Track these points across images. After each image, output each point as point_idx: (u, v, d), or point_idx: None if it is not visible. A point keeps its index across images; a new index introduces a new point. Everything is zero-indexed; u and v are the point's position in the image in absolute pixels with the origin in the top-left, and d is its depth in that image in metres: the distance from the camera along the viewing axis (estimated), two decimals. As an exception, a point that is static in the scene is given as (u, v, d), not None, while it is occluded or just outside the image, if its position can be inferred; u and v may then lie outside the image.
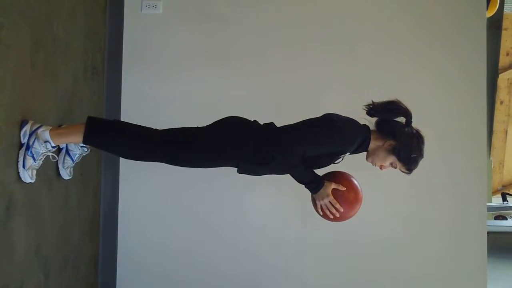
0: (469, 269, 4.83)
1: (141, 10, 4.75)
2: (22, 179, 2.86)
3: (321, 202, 3.17)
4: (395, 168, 3.24)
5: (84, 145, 3.29)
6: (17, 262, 2.88)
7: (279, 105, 4.62)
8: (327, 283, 4.82)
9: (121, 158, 4.54)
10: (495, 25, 7.12)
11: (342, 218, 3.22)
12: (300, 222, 4.73)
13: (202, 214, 4.75)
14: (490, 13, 5.58)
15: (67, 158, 3.38)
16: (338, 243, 4.77)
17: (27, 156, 2.87)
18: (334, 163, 3.27)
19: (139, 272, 4.70)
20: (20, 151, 2.87)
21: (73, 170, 3.49)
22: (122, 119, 4.51)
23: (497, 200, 9.49)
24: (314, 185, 3.16)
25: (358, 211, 3.24)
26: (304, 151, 3.07)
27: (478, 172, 4.85)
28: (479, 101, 4.86)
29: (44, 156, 2.98)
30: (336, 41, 4.80)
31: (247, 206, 4.77)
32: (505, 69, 8.12)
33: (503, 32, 7.41)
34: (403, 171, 3.26)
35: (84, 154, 3.39)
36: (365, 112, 3.22)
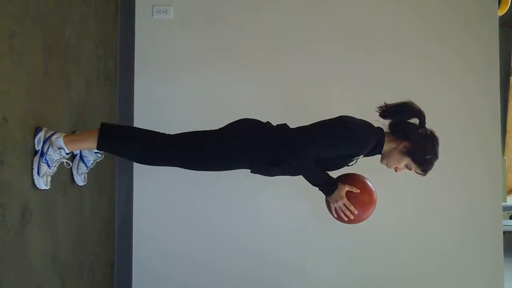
0: (485, 269, 4.81)
1: (152, 16, 4.77)
2: (37, 186, 2.87)
3: (335, 204, 3.17)
4: (410, 169, 3.23)
5: (98, 151, 3.30)
6: (34, 269, 2.88)
7: (291, 106, 4.61)
8: (342, 281, 4.81)
9: (134, 164, 4.55)
10: (507, 24, 7.08)
11: (356, 220, 3.21)
12: (315, 222, 4.72)
13: (216, 217, 4.76)
14: (502, 11, 5.54)
15: (81, 164, 3.39)
16: (353, 241, 4.77)
17: (41, 163, 2.88)
18: (348, 165, 3.26)
19: (154, 277, 4.71)
20: (35, 158, 2.87)
21: (87, 176, 3.50)
22: (135, 124, 4.54)
23: (512, 200, 9.43)
24: (328, 187, 3.16)
25: (372, 213, 3.23)
26: (318, 153, 3.06)
27: (492, 172, 4.82)
28: (492, 101, 4.84)
29: (59, 163, 2.99)
30: (349, 44, 4.80)
31: (261, 207, 4.77)
32: (518, 67, 8.09)
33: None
34: (418, 173, 3.24)
35: (98, 160, 3.40)
36: (378, 115, 3.20)
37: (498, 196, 4.88)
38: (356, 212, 3.16)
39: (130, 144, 3.14)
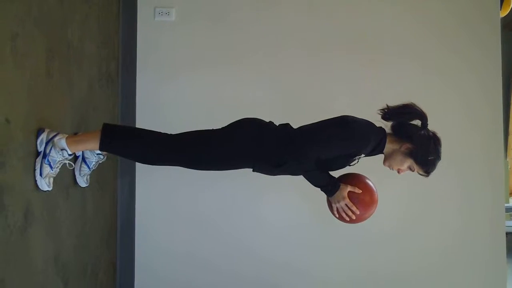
0: (488, 270, 4.82)
1: (154, 18, 4.78)
2: (40, 187, 2.87)
3: (337, 205, 3.17)
4: (413, 171, 3.23)
5: (100, 153, 3.30)
6: (36, 270, 2.89)
7: (293, 106, 4.63)
8: (343, 280, 4.82)
9: (137, 165, 4.56)
10: (508, 26, 7.08)
11: (358, 220, 3.21)
12: (316, 221, 4.74)
13: (219, 217, 4.77)
14: (504, 13, 5.55)
15: (84, 166, 3.39)
16: (355, 241, 4.79)
17: (44, 164, 2.88)
18: (350, 165, 3.26)
19: (157, 278, 4.72)
20: (37, 159, 2.88)
21: (90, 178, 3.50)
22: (137, 125, 4.55)
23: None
24: (329, 188, 3.16)
25: (374, 212, 3.23)
26: (319, 155, 3.06)
27: (494, 173, 4.84)
28: (494, 102, 4.85)
29: (61, 164, 2.99)
30: (350, 45, 4.82)
31: (263, 207, 4.79)
32: (520, 69, 8.08)
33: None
34: (421, 174, 3.24)
35: (100, 162, 3.40)
36: (380, 117, 3.20)
37: (500, 197, 4.89)
38: (358, 212, 3.16)
39: (132, 144, 3.14)
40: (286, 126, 3.24)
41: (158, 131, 3.20)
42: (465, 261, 4.81)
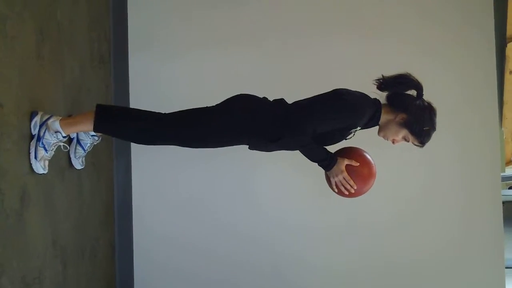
0: (486, 239, 4.83)
1: (145, -3, 4.74)
2: (35, 170, 2.86)
3: (336, 179, 3.16)
4: (408, 141, 3.23)
5: (95, 134, 3.28)
6: (35, 253, 2.89)
7: (291, 83, 4.57)
8: (343, 266, 4.83)
9: (132, 146, 4.55)
10: (502, -6, 7.05)
11: (357, 193, 3.22)
12: (315, 208, 4.73)
13: (216, 198, 4.75)
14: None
15: (79, 147, 3.39)
16: (351, 222, 4.78)
17: (38, 147, 2.87)
18: (346, 139, 3.26)
19: (155, 259, 4.72)
20: (32, 142, 2.87)
21: (85, 160, 3.49)
22: (131, 106, 4.52)
23: (510, 171, 9.46)
24: (327, 162, 3.15)
25: (372, 185, 3.24)
26: (314, 129, 3.06)
27: (490, 143, 4.83)
28: (489, 72, 4.83)
29: (56, 147, 2.98)
30: (347, 23, 4.79)
31: (261, 189, 4.76)
32: (514, 38, 8.06)
33: (510, 1, 7.34)
34: (415, 144, 3.24)
35: (95, 143, 3.39)
36: (375, 87, 3.19)
37: (496, 167, 4.89)
38: (356, 186, 3.16)
39: (127, 124, 3.13)
40: (281, 101, 3.22)
41: (152, 110, 3.19)
42: (463, 231, 4.81)
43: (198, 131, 3.12)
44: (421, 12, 4.80)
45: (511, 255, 5.46)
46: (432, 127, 3.19)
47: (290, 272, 4.80)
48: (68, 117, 3.20)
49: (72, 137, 3.34)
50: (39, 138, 2.88)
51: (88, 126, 3.07)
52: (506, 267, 4.88)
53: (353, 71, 4.63)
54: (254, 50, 4.74)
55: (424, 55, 4.74)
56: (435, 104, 3.20)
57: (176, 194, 4.74)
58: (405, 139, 3.21)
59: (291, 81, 4.64)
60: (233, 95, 3.24)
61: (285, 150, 3.24)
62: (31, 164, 2.85)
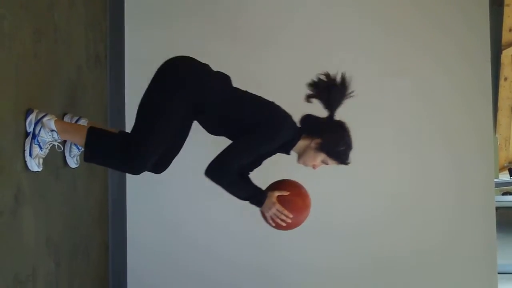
0: (479, 244, 4.84)
1: (141, -2, 4.76)
2: (29, 167, 2.87)
3: (269, 212, 3.13)
4: (327, 164, 3.20)
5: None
6: (28, 251, 2.90)
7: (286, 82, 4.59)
8: (337, 266, 4.85)
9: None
10: (497, 2, 7.08)
11: (294, 224, 3.19)
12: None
13: (212, 196, 4.75)
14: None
15: (73, 146, 3.40)
16: (341, 222, 4.81)
17: (33, 145, 2.88)
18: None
19: (149, 257, 4.74)
20: (26, 140, 2.88)
21: (80, 158, 3.50)
22: (126, 107, 4.55)
23: (504, 177, 9.50)
24: (257, 198, 3.15)
25: (309, 212, 3.22)
26: (240, 164, 3.08)
27: (484, 149, 4.84)
28: (483, 78, 4.85)
29: (50, 145, 2.99)
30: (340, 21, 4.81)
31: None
32: (509, 45, 8.07)
33: (506, 8, 7.38)
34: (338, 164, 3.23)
35: (89, 143, 3.40)
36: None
37: (490, 173, 4.91)
38: (292, 216, 3.13)
39: (110, 154, 3.10)
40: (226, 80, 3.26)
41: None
42: (456, 237, 4.83)
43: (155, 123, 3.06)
44: (417, 17, 4.81)
45: (503, 261, 5.48)
46: (348, 147, 3.16)
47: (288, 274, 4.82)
48: (63, 121, 3.21)
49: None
50: (34, 136, 2.89)
51: (80, 142, 3.08)
52: (499, 273, 4.90)
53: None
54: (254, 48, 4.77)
55: (417, 62, 4.76)
56: (348, 123, 3.18)
57: (171, 191, 4.75)
58: (324, 162, 3.18)
59: (288, 80, 4.65)
60: None
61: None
62: (25, 161, 2.86)
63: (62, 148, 3.27)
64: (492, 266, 4.85)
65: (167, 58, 4.56)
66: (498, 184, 8.32)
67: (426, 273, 4.84)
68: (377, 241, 4.80)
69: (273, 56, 4.78)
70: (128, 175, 4.69)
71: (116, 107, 4.52)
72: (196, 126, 3.25)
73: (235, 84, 3.25)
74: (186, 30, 4.76)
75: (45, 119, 2.92)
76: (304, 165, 3.21)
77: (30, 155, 2.87)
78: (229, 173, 3.06)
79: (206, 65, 3.24)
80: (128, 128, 3.24)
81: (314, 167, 3.20)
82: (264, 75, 4.68)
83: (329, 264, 4.82)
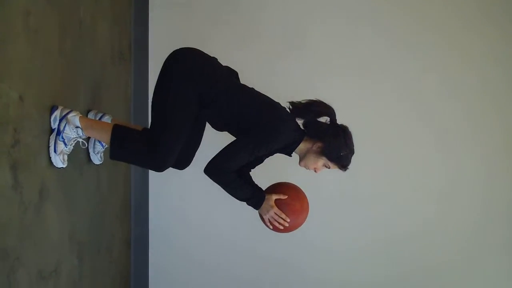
0: (504, 244, 4.84)
1: (166, -6, 4.76)
2: (54, 164, 2.88)
3: (267, 215, 3.15)
4: (329, 168, 3.18)
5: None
6: (51, 247, 2.90)
7: (291, 85, 4.60)
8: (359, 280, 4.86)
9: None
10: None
11: (292, 227, 3.20)
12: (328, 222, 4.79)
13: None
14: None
15: (97, 143, 3.41)
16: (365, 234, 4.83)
17: (58, 141, 2.88)
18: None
19: (171, 255, 4.74)
20: (51, 136, 2.88)
21: (104, 155, 3.51)
22: (150, 104, 4.53)
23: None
24: (255, 200, 3.15)
25: (306, 218, 3.22)
26: (238, 164, 3.06)
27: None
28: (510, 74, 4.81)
29: (75, 142, 2.99)
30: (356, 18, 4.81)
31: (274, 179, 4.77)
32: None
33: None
34: (339, 168, 3.21)
35: (113, 139, 3.40)
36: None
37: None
38: (289, 219, 3.14)
39: (135, 150, 3.08)
40: (231, 75, 3.26)
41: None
42: (481, 240, 4.83)
43: (169, 115, 3.06)
44: (444, 18, 4.79)
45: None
46: (350, 151, 3.14)
47: (306, 265, 4.84)
48: (88, 118, 3.21)
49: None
50: (59, 132, 2.89)
51: (106, 139, 3.07)
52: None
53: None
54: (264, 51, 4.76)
55: (445, 61, 4.73)
56: (349, 128, 3.16)
57: (194, 189, 4.75)
58: (326, 166, 3.16)
59: (293, 82, 4.65)
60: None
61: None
62: (50, 157, 2.87)
63: (86, 145, 3.28)
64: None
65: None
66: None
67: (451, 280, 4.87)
68: (402, 251, 4.85)
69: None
70: (151, 173, 4.70)
71: (140, 104, 4.53)
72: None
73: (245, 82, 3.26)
74: (210, 25, 4.75)
75: (70, 116, 2.92)
76: (306, 168, 3.21)
77: (55, 151, 2.87)
78: (227, 173, 3.06)
79: (214, 58, 3.24)
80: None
81: (315, 170, 3.19)
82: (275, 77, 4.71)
83: (349, 253, 4.85)
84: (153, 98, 3.14)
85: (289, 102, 3.15)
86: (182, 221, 4.77)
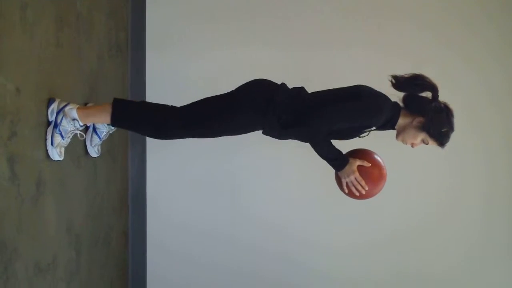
0: (505, 244, 4.85)
1: (163, -13, 4.74)
2: (51, 156, 2.88)
3: (347, 179, 3.13)
4: (427, 144, 3.18)
5: (111, 123, 3.30)
6: (49, 239, 2.91)
7: (305, 72, 4.56)
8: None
9: (147, 135, 4.57)
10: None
11: (367, 195, 3.18)
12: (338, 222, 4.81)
13: (232, 188, 4.76)
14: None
15: (95, 136, 3.40)
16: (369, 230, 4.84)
17: (55, 134, 2.88)
18: (360, 137, 3.23)
19: (168, 247, 4.74)
20: (48, 129, 2.88)
21: (101, 148, 3.51)
22: (147, 96, 4.55)
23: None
24: (339, 162, 3.12)
25: (382, 188, 3.20)
26: (329, 128, 3.04)
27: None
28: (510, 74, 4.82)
29: (72, 134, 3.00)
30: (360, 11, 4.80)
31: (277, 178, 4.77)
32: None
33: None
34: (436, 145, 3.20)
35: (111, 132, 3.40)
36: (390, 85, 3.16)
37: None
38: (367, 188, 3.13)
39: (143, 120, 3.12)
40: (300, 90, 3.20)
41: (166, 104, 3.18)
42: (485, 238, 4.86)
43: (212, 122, 3.11)
44: (444, 15, 4.80)
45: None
46: (451, 128, 3.13)
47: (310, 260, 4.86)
48: (85, 106, 3.21)
49: (88, 126, 3.35)
50: (56, 125, 2.89)
51: (105, 118, 3.08)
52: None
53: (367, 63, 4.64)
54: (274, 40, 4.74)
55: (444, 58, 4.74)
56: (451, 105, 3.16)
57: (190, 182, 4.75)
58: (424, 142, 3.16)
59: (307, 78, 4.64)
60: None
61: (299, 140, 3.21)
62: (47, 150, 2.87)
63: (84, 136, 3.28)
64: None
65: (188, 48, 4.61)
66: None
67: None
68: (412, 250, 4.87)
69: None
70: (148, 165, 4.70)
71: (137, 96, 4.52)
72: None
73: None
74: (208, 19, 4.75)
75: (67, 108, 2.92)
76: (403, 143, 3.21)
77: (52, 144, 2.87)
78: (320, 133, 3.05)
79: (282, 85, 3.23)
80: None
81: (413, 145, 3.19)
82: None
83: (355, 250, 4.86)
84: (210, 98, 3.18)
85: (391, 76, 3.13)
86: (180, 213, 4.77)
